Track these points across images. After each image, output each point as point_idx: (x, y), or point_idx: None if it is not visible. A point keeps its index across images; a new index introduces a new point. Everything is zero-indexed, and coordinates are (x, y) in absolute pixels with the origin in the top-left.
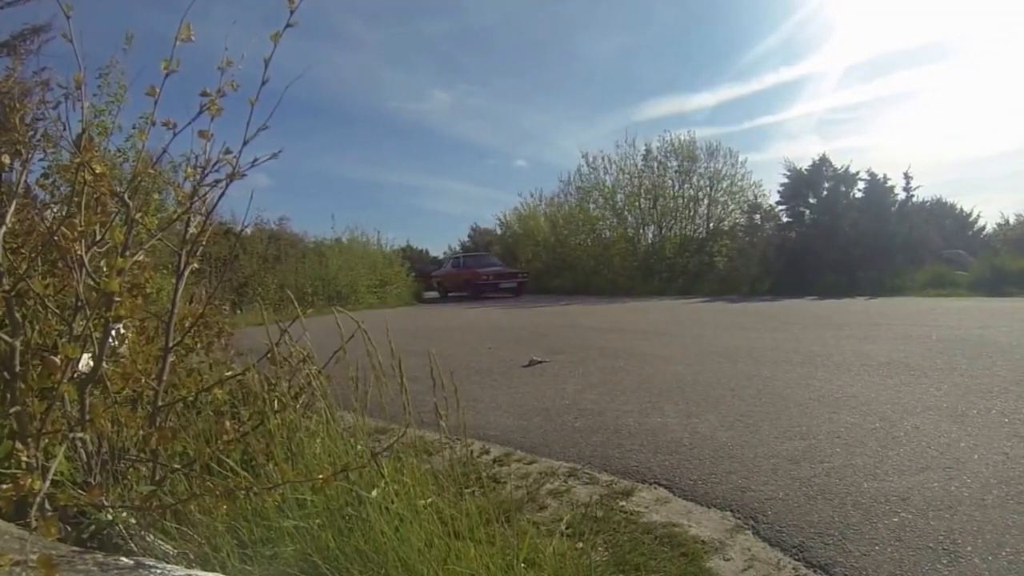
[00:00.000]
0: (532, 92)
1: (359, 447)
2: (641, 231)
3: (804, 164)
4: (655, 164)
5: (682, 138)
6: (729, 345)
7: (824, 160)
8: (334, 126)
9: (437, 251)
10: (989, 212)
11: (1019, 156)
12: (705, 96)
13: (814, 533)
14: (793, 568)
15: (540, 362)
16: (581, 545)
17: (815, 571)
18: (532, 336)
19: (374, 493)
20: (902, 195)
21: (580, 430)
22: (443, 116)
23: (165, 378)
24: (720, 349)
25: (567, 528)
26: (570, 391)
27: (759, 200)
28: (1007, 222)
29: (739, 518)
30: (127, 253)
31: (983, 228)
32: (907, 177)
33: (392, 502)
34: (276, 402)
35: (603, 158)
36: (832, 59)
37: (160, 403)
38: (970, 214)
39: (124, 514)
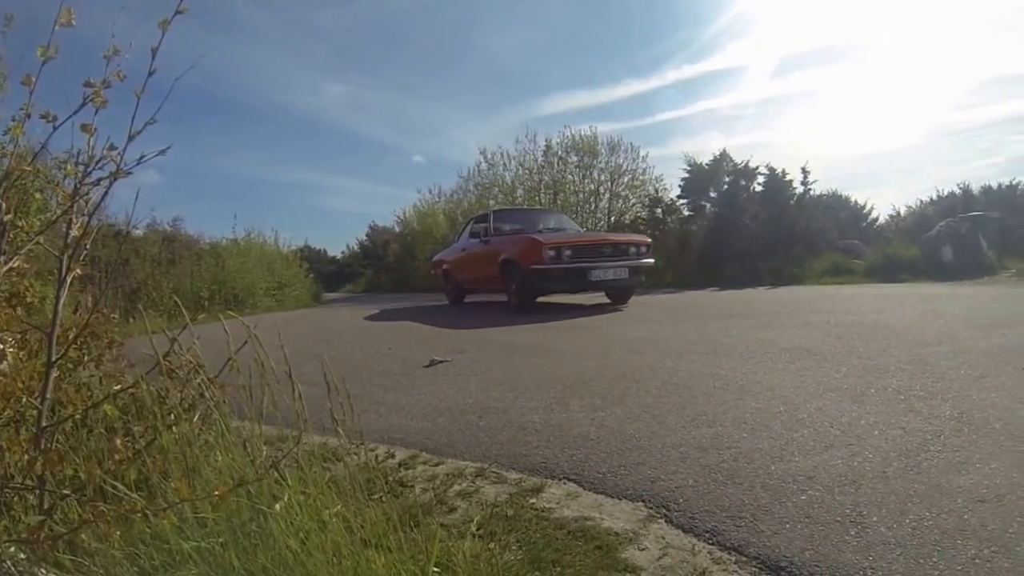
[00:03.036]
0: (431, 86)
1: (261, 458)
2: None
3: (705, 159)
4: (555, 159)
5: (583, 133)
6: (634, 337)
7: (725, 155)
8: (230, 121)
9: (335, 251)
10: (882, 204)
11: (908, 152)
12: (608, 91)
13: (726, 517)
14: (708, 552)
15: (442, 361)
16: (494, 545)
17: (729, 553)
18: (433, 335)
19: (278, 507)
20: (800, 189)
21: (485, 429)
22: (339, 111)
23: (49, 395)
24: (625, 342)
25: (478, 529)
26: (473, 390)
27: (660, 194)
28: (898, 213)
29: (651, 508)
30: (1, 259)
31: (876, 219)
32: (805, 172)
33: (297, 515)
34: (169, 415)
35: (502, 154)
36: (734, 58)
37: (45, 424)
38: (864, 206)
39: (12, 549)
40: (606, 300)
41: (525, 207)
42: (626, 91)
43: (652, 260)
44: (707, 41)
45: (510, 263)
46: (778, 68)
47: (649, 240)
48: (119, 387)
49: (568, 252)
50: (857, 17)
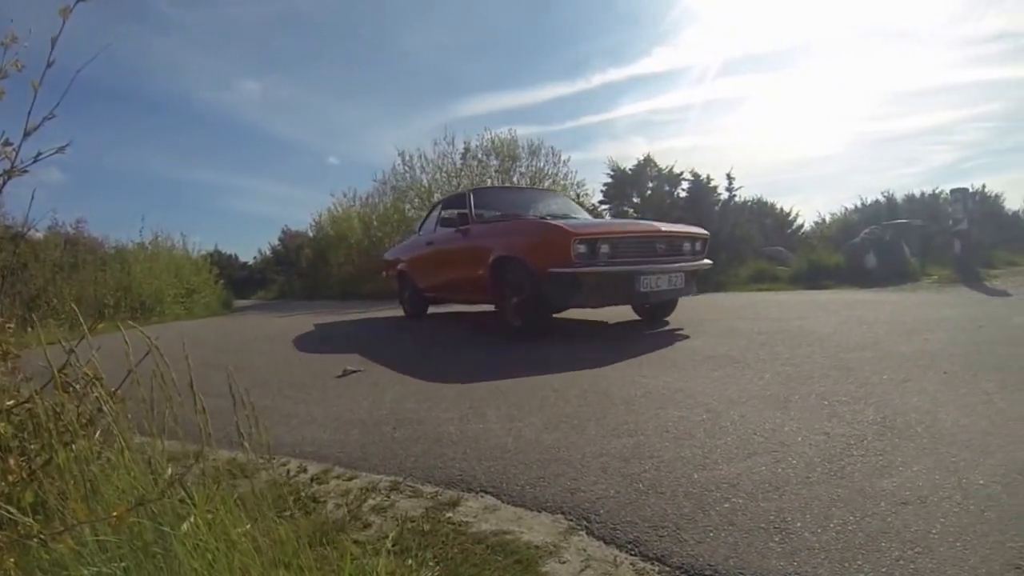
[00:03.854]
0: (349, 85)
1: (164, 476)
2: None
3: (629, 164)
4: (475, 163)
5: (503, 136)
6: (553, 346)
7: (649, 160)
8: (140, 116)
9: (248, 256)
10: (807, 211)
11: (832, 160)
12: (532, 94)
13: (648, 527)
14: (631, 563)
15: (355, 371)
16: (410, 562)
17: (652, 563)
18: (347, 344)
19: (184, 527)
20: (725, 195)
21: (400, 441)
22: (253, 108)
23: None
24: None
25: (393, 545)
26: (388, 400)
27: (583, 199)
28: (823, 220)
29: (572, 520)
30: None
31: (801, 226)
32: (730, 178)
33: (204, 535)
34: (65, 432)
35: (420, 156)
36: (660, 63)
37: None
38: (789, 213)
39: None
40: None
41: (516, 185)
42: (550, 94)
43: (710, 262)
44: (634, 45)
45: (511, 264)
46: (704, 74)
47: (707, 234)
48: (12, 402)
49: (606, 248)
50: (783, 27)
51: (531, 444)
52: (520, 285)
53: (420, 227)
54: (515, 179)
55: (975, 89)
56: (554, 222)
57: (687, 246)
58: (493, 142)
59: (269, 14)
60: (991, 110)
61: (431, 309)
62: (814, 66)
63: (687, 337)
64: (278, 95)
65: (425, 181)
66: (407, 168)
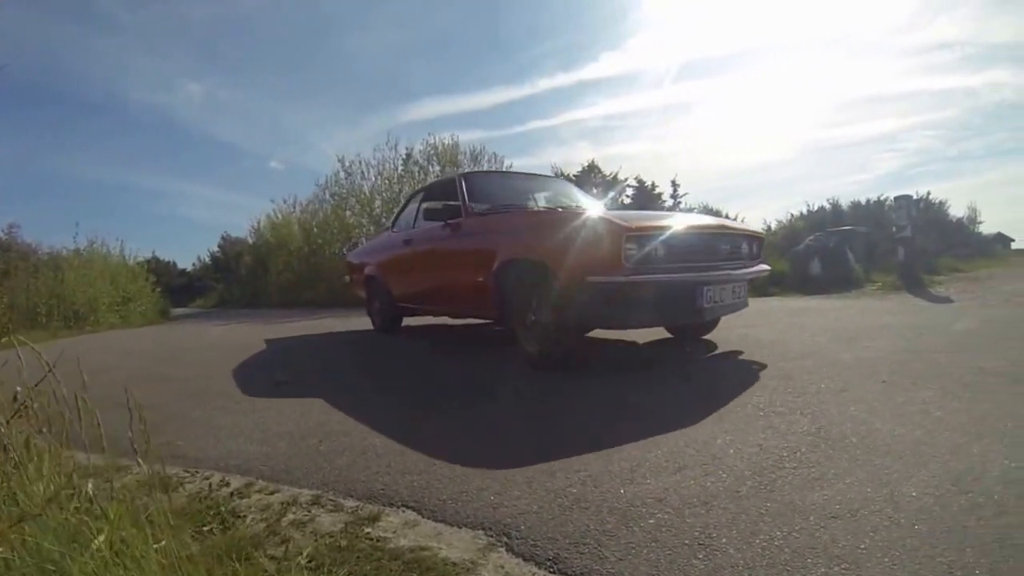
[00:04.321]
0: (293, 88)
1: (87, 489)
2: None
3: (573, 170)
4: (416, 169)
5: (446, 142)
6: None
7: (593, 166)
8: (77, 118)
9: (186, 263)
10: (753, 218)
11: (783, 167)
12: (478, 99)
13: (569, 543)
14: None
15: (286, 382)
16: None
17: None
18: (281, 353)
19: (96, 544)
20: (670, 202)
21: (325, 454)
22: (195, 110)
23: None
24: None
25: (309, 561)
26: (316, 412)
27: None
28: (769, 227)
29: (492, 536)
30: None
31: None
32: (675, 184)
33: (118, 553)
34: None
35: (361, 162)
36: (608, 69)
37: None
38: (735, 220)
39: None
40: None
41: (515, 171)
42: (498, 98)
43: (769, 268)
44: (583, 51)
45: (526, 269)
46: (653, 80)
47: (764, 234)
48: None
49: (662, 250)
50: (734, 36)
51: (456, 457)
52: (539, 299)
53: (394, 221)
54: None
55: (924, 97)
56: (600, 213)
57: (745, 248)
58: (435, 148)
59: (213, 14)
60: (938, 118)
61: (406, 320)
62: (766, 75)
63: (741, 357)
64: (220, 97)
65: (366, 188)
66: (348, 174)
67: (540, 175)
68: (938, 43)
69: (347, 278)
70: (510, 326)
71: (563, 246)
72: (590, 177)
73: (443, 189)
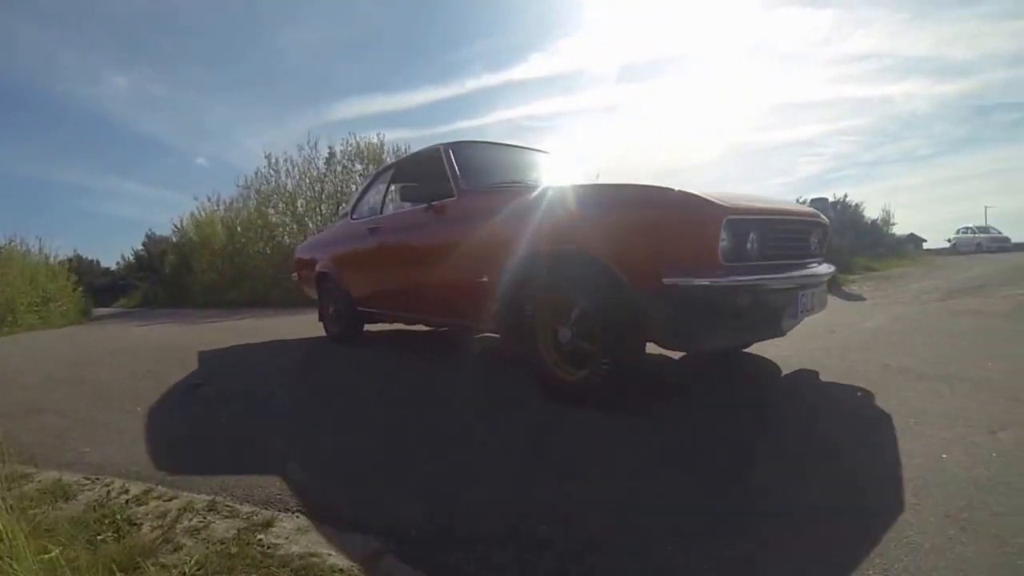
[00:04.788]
0: (220, 84)
1: None
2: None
3: None
4: (339, 168)
5: (369, 141)
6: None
7: None
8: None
9: (110, 262)
10: None
11: (706, 168)
12: (406, 98)
13: (460, 551)
14: None
15: (199, 385)
16: None
17: None
18: (197, 356)
19: None
20: None
21: (227, 457)
22: (120, 104)
23: None
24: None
25: (198, 569)
26: (224, 415)
27: None
28: None
29: (382, 541)
30: None
31: None
32: None
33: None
34: None
35: (286, 160)
36: (535, 69)
37: None
38: None
39: None
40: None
41: (511, 143)
42: (425, 98)
43: (834, 268)
44: (510, 51)
45: (566, 266)
46: (580, 81)
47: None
48: None
49: (756, 242)
50: (662, 39)
51: (354, 460)
52: (584, 307)
53: (353, 206)
54: None
55: (843, 105)
56: (686, 189)
57: (818, 240)
58: (358, 147)
59: (142, 5)
60: (856, 125)
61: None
62: (696, 80)
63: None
64: (148, 91)
65: (290, 186)
66: (272, 172)
67: (534, 149)
68: (857, 55)
69: (294, 276)
70: (526, 343)
71: (628, 234)
72: None
73: (420, 164)
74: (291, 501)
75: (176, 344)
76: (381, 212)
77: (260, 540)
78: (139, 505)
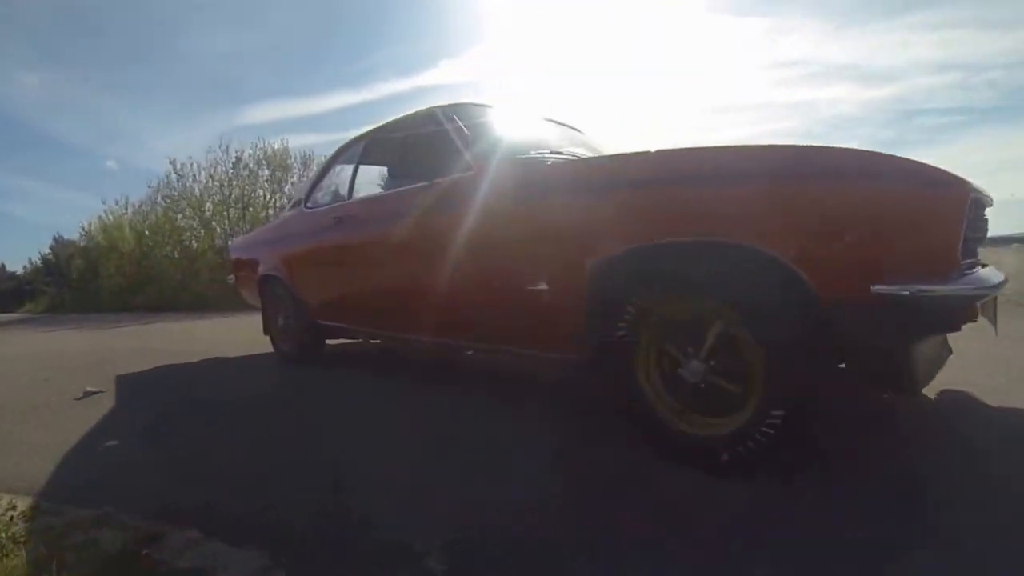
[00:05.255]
0: (131, 85)
1: None
2: (230, 242)
3: None
4: (246, 172)
5: (276, 146)
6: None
7: None
8: None
9: (16, 265)
10: None
11: None
12: (317, 102)
13: (353, 563)
14: None
15: (96, 393)
16: None
17: None
18: (98, 363)
19: None
20: None
21: (124, 468)
22: (28, 103)
23: None
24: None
25: None
26: (122, 425)
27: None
28: None
29: (273, 556)
30: None
31: None
32: None
33: None
34: None
35: (193, 164)
36: (446, 75)
37: None
38: None
39: None
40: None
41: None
42: (336, 103)
43: None
44: (421, 57)
45: (708, 268)
46: (492, 87)
47: None
48: None
49: (968, 231)
50: (573, 47)
51: (250, 470)
52: (727, 331)
53: (308, 193)
54: (287, 189)
55: (773, 108)
56: (921, 163)
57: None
58: (266, 151)
59: (53, 3)
60: (785, 127)
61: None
62: (635, 81)
63: None
64: (56, 90)
65: (197, 191)
66: (180, 176)
67: (558, 120)
68: (787, 61)
69: (231, 278)
70: (616, 378)
71: (822, 219)
72: None
73: (406, 134)
74: (185, 513)
75: (78, 350)
76: (349, 197)
77: (148, 555)
78: (26, 521)
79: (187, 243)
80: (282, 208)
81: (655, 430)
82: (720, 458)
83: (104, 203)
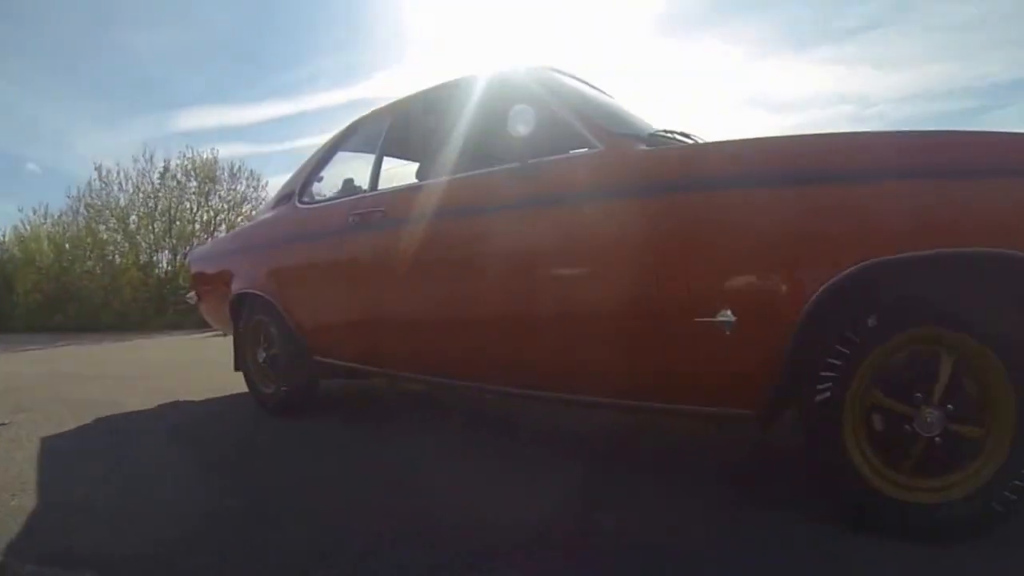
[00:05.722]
0: (57, 84)
1: None
2: (155, 257)
3: (330, 190)
4: (173, 183)
5: (204, 156)
6: (213, 385)
7: (349, 182)
8: None
9: None
10: None
11: None
12: (248, 111)
13: None
14: None
15: (2, 424)
16: None
17: None
18: (3, 391)
19: None
20: None
21: (17, 510)
22: None
23: None
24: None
25: None
26: (20, 460)
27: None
28: None
29: None
30: None
31: None
32: None
33: None
34: None
35: (119, 172)
36: (381, 88)
37: None
38: None
39: None
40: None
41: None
42: (267, 112)
43: None
44: (357, 68)
45: None
46: None
47: None
48: None
49: None
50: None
51: (148, 508)
52: None
53: (303, 184)
54: (214, 203)
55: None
56: None
57: None
58: (194, 162)
59: None
60: None
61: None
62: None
63: None
64: None
65: (122, 201)
66: (104, 184)
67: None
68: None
69: (190, 296)
70: (832, 440)
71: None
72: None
73: (446, 104)
74: (81, 556)
75: None
76: (374, 188)
77: None
78: None
79: (110, 258)
80: (210, 224)
81: (871, 507)
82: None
83: (21, 211)
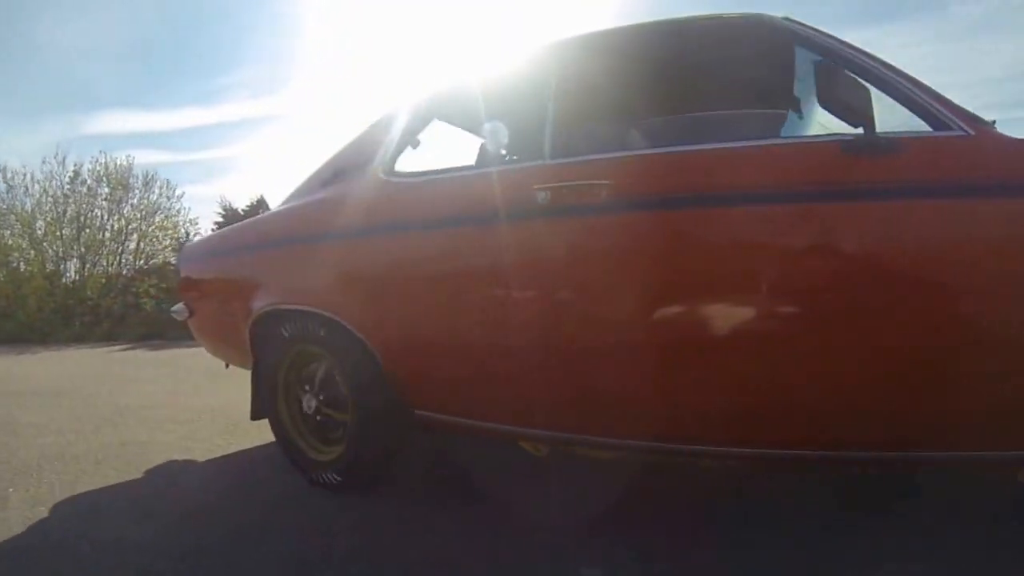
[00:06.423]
0: None
1: None
2: (62, 266)
3: (244, 202)
4: (84, 189)
5: (118, 162)
6: (121, 404)
7: (263, 202)
8: None
9: None
10: None
11: None
12: (166, 117)
13: None
14: None
15: None
16: None
17: None
18: None
19: None
20: None
21: None
22: None
23: None
24: (110, 410)
25: None
26: None
27: (193, 237)
28: None
29: None
30: None
31: None
32: None
33: None
34: None
35: (26, 175)
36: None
37: None
38: None
39: None
40: None
41: None
42: (186, 120)
43: None
44: (274, 80)
45: None
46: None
47: None
48: None
49: None
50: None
51: (49, 538)
52: None
53: (398, 149)
54: (126, 211)
55: None
56: None
57: None
58: (107, 168)
59: None
60: None
61: None
62: None
63: None
64: None
65: (29, 205)
66: (9, 187)
67: None
68: None
69: (178, 309)
70: None
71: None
72: (259, 211)
73: (705, 51)
74: None
75: None
76: (551, 156)
77: None
78: None
79: (14, 265)
80: (121, 233)
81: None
82: None
83: None
